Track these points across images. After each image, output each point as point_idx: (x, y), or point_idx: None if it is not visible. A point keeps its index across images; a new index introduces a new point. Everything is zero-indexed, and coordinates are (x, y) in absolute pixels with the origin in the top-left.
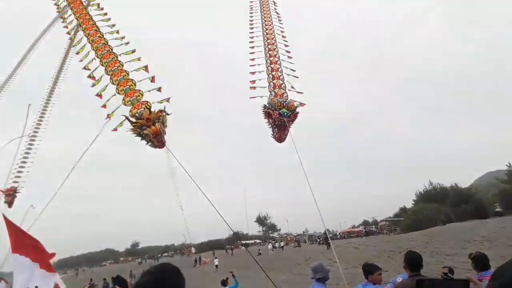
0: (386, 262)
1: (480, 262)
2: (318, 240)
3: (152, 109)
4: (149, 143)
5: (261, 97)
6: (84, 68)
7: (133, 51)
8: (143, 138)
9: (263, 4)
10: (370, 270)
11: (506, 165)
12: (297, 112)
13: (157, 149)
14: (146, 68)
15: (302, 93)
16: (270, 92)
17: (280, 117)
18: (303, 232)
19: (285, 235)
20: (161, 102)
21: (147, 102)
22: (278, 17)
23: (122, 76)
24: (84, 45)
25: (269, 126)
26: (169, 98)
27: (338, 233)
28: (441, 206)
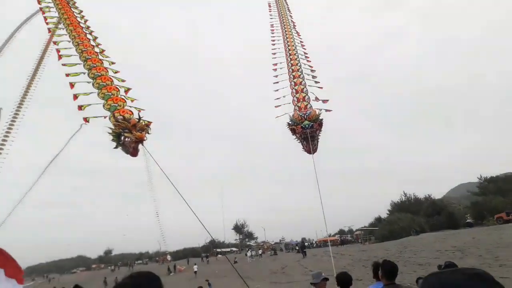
0: (361, 270)
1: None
2: (296, 248)
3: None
4: (122, 147)
5: (284, 114)
6: (67, 74)
7: (116, 71)
8: (117, 140)
9: (283, 20)
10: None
11: (478, 178)
12: (321, 119)
13: (129, 155)
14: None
15: (328, 100)
16: (294, 106)
17: (303, 130)
18: (280, 240)
19: (262, 243)
20: (143, 120)
21: (132, 112)
22: (297, 32)
23: (106, 83)
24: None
25: (298, 141)
26: (151, 122)
27: (314, 242)
28: (415, 216)
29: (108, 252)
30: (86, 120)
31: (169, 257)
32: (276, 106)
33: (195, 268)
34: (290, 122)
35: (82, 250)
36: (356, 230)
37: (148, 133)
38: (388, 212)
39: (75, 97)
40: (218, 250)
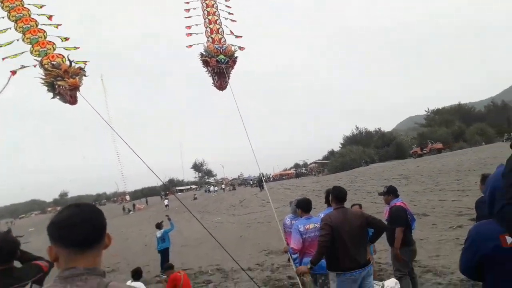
0: (314, 200)
1: (394, 192)
2: (252, 183)
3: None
4: (58, 97)
5: (198, 44)
6: None
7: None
8: (52, 90)
9: None
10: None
11: (425, 111)
12: (236, 57)
13: (67, 104)
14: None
15: (241, 36)
16: (207, 38)
17: (218, 64)
18: (238, 176)
19: (221, 180)
20: (77, 62)
21: (63, 55)
22: None
23: (29, 25)
24: None
25: (209, 74)
26: (87, 61)
27: (271, 176)
28: (365, 148)
29: (63, 195)
30: (13, 72)
31: (128, 197)
32: (187, 35)
33: (166, 202)
34: (204, 53)
35: (35, 194)
36: (311, 163)
37: (85, 76)
38: (340, 145)
39: None
40: (178, 188)
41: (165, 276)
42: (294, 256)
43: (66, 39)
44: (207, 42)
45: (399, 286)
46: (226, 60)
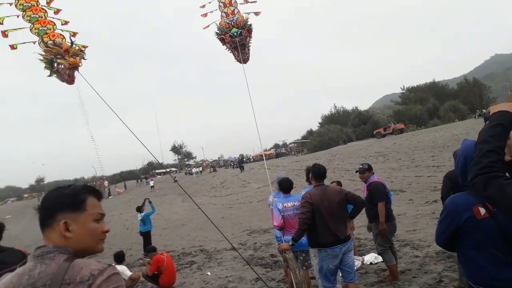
0: (294, 179)
1: (371, 170)
2: (232, 164)
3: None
4: (57, 75)
5: (215, 22)
6: None
7: None
8: (50, 68)
9: None
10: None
11: (400, 88)
12: (250, 25)
13: (64, 83)
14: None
15: (255, 1)
16: (221, 12)
17: (232, 39)
18: (219, 158)
19: (201, 162)
20: (77, 45)
21: (63, 36)
22: None
23: (30, 4)
24: None
25: (229, 51)
26: (86, 45)
27: (251, 157)
28: (343, 127)
29: (39, 181)
30: (12, 47)
31: (106, 183)
32: (202, 15)
33: (152, 183)
34: (218, 32)
35: (11, 180)
36: (290, 143)
37: (84, 59)
38: (319, 125)
39: None
40: (157, 171)
41: (149, 259)
42: (278, 233)
43: (66, 22)
44: (221, 18)
45: (380, 260)
46: (239, 32)
